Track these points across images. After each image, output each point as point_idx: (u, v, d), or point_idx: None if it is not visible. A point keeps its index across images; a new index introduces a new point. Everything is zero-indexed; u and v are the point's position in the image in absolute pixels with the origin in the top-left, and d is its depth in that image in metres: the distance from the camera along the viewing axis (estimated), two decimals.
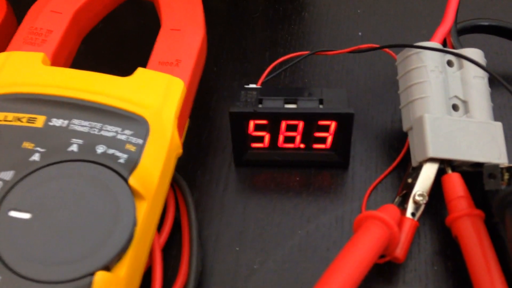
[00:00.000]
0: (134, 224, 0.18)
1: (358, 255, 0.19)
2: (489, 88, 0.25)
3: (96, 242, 0.17)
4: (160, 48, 0.24)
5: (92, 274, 0.16)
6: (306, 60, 0.30)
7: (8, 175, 0.18)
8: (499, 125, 0.24)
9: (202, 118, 0.28)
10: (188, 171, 0.26)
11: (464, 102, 0.24)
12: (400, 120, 0.26)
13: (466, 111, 0.24)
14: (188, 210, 0.23)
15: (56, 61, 0.23)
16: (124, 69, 0.23)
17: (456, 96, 0.24)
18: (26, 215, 0.17)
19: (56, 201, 0.18)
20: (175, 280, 0.21)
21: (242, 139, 0.25)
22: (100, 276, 0.16)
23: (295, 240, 0.23)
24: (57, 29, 0.24)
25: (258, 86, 0.25)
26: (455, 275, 0.22)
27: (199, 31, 0.25)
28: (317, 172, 0.26)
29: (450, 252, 0.23)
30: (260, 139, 0.25)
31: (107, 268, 0.17)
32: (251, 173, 0.26)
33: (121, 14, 0.28)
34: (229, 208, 0.24)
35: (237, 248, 0.23)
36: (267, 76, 0.27)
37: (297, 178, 0.25)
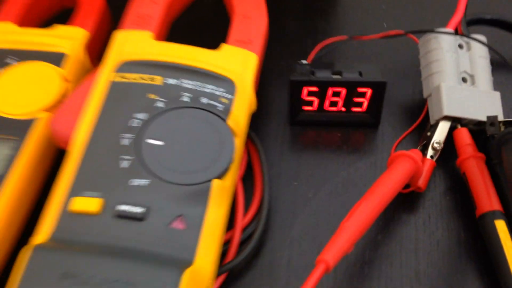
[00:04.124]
0: (234, 150, 0.25)
1: (392, 179, 0.26)
2: (490, 66, 0.32)
3: (211, 160, 0.24)
4: (236, 30, 0.31)
5: (211, 180, 0.23)
6: (342, 45, 0.36)
7: (144, 116, 0.25)
8: (497, 94, 0.31)
9: (258, 90, 0.35)
10: (252, 129, 0.32)
11: (471, 76, 0.31)
12: (419, 92, 0.33)
13: (473, 82, 0.31)
14: (259, 153, 0.30)
15: (158, 39, 0.30)
16: (199, 42, 0.29)
17: (465, 71, 0.31)
18: (160, 142, 0.24)
19: (180, 134, 0.25)
20: (251, 204, 0.28)
21: (297, 102, 0.32)
22: (217, 182, 0.24)
23: (339, 178, 0.30)
24: (155, 15, 0.31)
25: (309, 62, 0.32)
26: (463, 203, 0.29)
27: (264, 18, 0.32)
28: (354, 130, 0.33)
29: (459, 187, 0.30)
30: (311, 103, 0.32)
31: (219, 177, 0.24)
32: (303, 130, 0.33)
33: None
34: (287, 155, 0.31)
35: (295, 183, 0.30)
36: (315, 55, 0.34)
37: (339, 135, 0.32)
